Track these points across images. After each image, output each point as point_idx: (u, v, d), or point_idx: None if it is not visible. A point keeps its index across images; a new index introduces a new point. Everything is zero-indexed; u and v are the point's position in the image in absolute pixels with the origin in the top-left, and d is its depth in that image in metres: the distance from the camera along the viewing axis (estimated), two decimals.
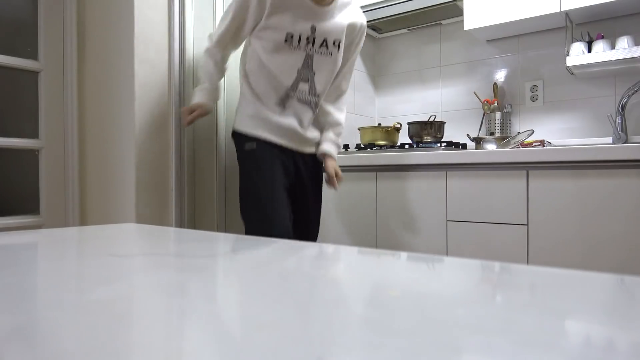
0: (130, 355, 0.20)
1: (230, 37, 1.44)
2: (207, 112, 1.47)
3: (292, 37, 1.39)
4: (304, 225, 1.56)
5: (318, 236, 1.64)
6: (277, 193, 1.41)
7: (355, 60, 1.62)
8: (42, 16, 1.60)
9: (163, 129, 1.60)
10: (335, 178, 1.54)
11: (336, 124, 1.59)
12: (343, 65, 1.56)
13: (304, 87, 1.46)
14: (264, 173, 1.42)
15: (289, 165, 1.48)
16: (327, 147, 1.56)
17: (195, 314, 0.27)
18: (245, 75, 1.48)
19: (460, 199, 1.69)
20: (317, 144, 1.57)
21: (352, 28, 1.51)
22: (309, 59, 1.44)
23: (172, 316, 0.27)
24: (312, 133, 1.54)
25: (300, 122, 1.49)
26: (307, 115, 1.50)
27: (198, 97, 1.45)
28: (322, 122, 1.59)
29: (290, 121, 1.46)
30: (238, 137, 1.49)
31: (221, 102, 1.72)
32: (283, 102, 1.45)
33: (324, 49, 1.45)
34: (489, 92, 2.27)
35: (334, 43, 1.46)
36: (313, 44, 1.43)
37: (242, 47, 1.54)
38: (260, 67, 1.44)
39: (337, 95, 1.61)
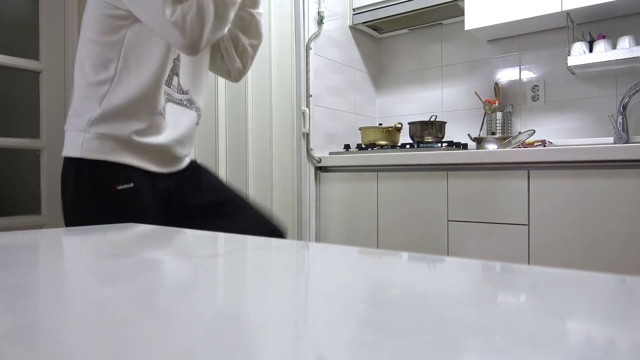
0: (131, 355, 0.20)
1: None
2: None
3: None
4: (236, 214, 1.18)
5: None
6: None
7: None
8: (43, 16, 1.60)
9: None
10: None
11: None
12: None
13: (175, 81, 1.06)
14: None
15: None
16: None
17: (195, 314, 0.27)
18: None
19: (461, 198, 1.69)
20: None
21: None
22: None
23: (172, 316, 0.27)
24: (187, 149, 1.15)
25: (179, 136, 1.09)
26: (189, 121, 1.12)
27: None
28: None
29: (167, 135, 1.05)
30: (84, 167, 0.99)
31: (221, 98, 1.72)
32: (160, 106, 1.03)
33: None
34: (490, 92, 2.27)
35: None
36: None
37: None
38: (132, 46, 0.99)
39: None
